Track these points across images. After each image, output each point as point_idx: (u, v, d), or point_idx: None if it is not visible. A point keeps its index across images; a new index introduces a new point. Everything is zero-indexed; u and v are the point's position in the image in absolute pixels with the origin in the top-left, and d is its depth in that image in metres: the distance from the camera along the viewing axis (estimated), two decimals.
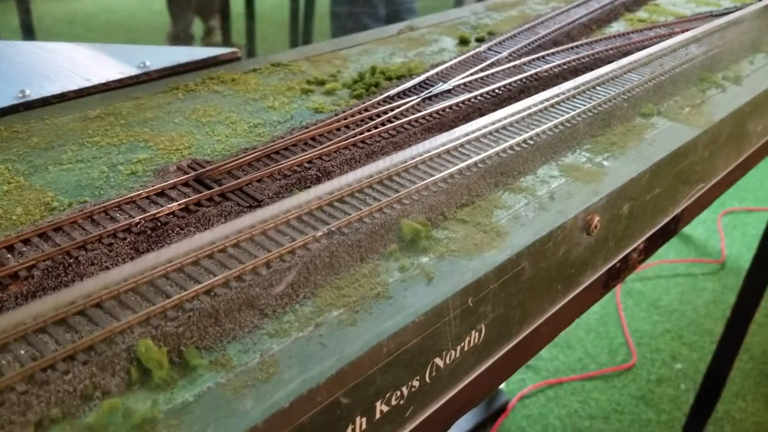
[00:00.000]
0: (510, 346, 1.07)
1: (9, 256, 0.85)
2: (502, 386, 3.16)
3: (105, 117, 1.26)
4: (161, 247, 0.89)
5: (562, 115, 1.32)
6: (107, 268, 0.84)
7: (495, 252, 0.97)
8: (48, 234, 0.89)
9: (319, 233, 0.93)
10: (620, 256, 1.29)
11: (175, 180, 1.03)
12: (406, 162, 1.09)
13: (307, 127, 1.23)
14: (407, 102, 1.33)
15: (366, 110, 1.29)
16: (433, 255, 0.95)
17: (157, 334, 0.75)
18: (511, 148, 1.19)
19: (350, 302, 0.85)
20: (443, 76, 1.47)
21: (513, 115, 1.24)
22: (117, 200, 0.96)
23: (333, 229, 0.94)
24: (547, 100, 1.33)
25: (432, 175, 1.08)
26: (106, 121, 1.24)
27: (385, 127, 1.23)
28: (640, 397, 3.34)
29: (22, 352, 0.71)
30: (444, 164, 1.12)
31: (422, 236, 0.96)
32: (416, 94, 1.37)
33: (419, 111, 1.30)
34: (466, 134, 1.16)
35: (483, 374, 1.03)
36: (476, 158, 1.14)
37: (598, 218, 1.13)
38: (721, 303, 3.93)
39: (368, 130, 1.22)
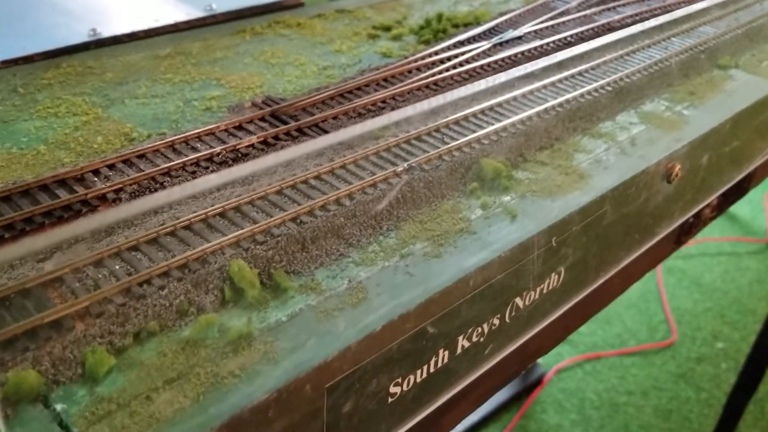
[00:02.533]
0: (585, 293, 1.05)
1: (95, 179, 0.86)
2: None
3: (175, 56, 1.25)
4: (245, 178, 0.89)
5: (639, 64, 1.28)
6: (194, 195, 0.84)
7: (578, 194, 0.94)
8: (132, 161, 0.89)
9: (400, 168, 0.92)
10: (695, 210, 1.25)
11: (252, 115, 1.02)
12: (483, 104, 1.07)
13: (377, 69, 1.21)
14: (478, 47, 1.30)
15: (436, 54, 1.27)
16: (514, 194, 0.93)
17: (247, 257, 0.75)
18: (589, 93, 1.16)
19: (434, 236, 0.84)
20: (512, 24, 1.44)
21: (594, 53, 1.20)
22: (197, 132, 0.96)
23: (413, 164, 0.93)
24: (625, 44, 1.28)
25: (510, 117, 1.05)
26: (177, 59, 1.24)
27: (458, 70, 1.21)
28: (679, 374, 3.28)
29: (117, 267, 0.72)
30: (522, 107, 1.09)
31: (503, 175, 0.94)
32: (486, 40, 1.33)
33: (491, 56, 1.27)
34: (546, 75, 1.13)
35: (558, 320, 1.01)
36: (554, 102, 1.11)
37: (679, 166, 1.09)
38: (766, 283, 3.82)
39: (440, 73, 1.19)
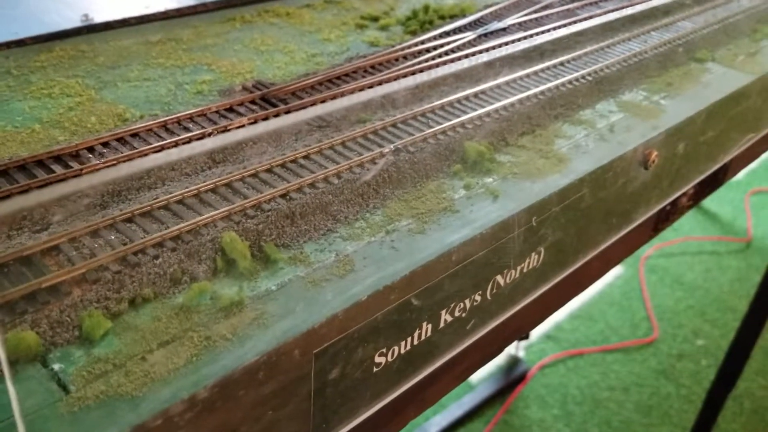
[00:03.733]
0: (564, 274, 1.09)
1: (90, 156, 0.88)
2: (521, 354, 3.18)
3: (166, 42, 1.27)
4: (235, 157, 0.91)
5: (618, 56, 1.32)
6: (186, 173, 0.87)
7: (558, 176, 0.98)
8: (126, 139, 0.92)
9: (386, 150, 0.95)
10: (672, 198, 1.29)
11: (242, 98, 1.05)
12: (467, 90, 1.10)
13: (365, 57, 1.24)
14: (463, 38, 1.33)
15: (422, 43, 1.30)
16: (496, 176, 0.97)
17: (239, 230, 0.77)
18: (570, 82, 1.20)
19: (418, 213, 0.87)
20: (497, 16, 1.47)
21: (575, 45, 1.24)
22: (189, 113, 0.99)
23: (399, 146, 0.96)
24: (606, 37, 1.32)
25: (493, 104, 1.09)
26: (168, 45, 1.26)
27: (443, 59, 1.24)
28: (660, 371, 3.33)
29: (113, 237, 0.74)
30: (505, 94, 1.13)
31: (486, 158, 0.98)
32: (471, 31, 1.37)
33: (475, 46, 1.30)
34: (528, 65, 1.16)
35: (538, 299, 1.05)
36: (536, 90, 1.14)
37: (656, 153, 1.13)
38: (746, 281, 3.88)
39: (426, 62, 1.22)
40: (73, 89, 1.07)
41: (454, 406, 2.94)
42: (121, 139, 0.91)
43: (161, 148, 0.90)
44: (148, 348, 0.64)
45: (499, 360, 3.11)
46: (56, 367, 0.61)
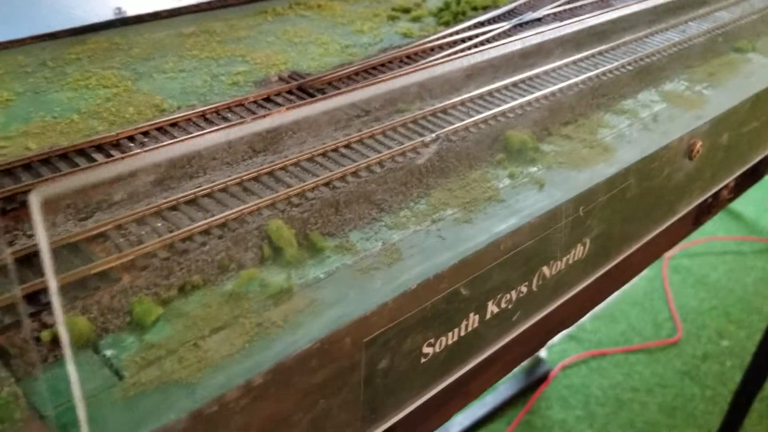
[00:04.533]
0: (608, 267, 1.06)
1: (131, 145, 0.87)
2: (543, 355, 3.14)
3: (200, 34, 1.27)
4: (275, 147, 0.90)
5: (659, 45, 1.29)
6: (227, 162, 0.86)
7: (603, 165, 0.96)
8: (166, 129, 0.91)
9: (428, 138, 0.93)
10: (714, 190, 1.27)
11: (279, 88, 1.04)
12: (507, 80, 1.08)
13: (399, 48, 1.22)
14: (498, 28, 1.31)
15: (457, 33, 1.28)
16: (541, 165, 0.94)
17: (283, 218, 0.76)
18: (611, 72, 1.17)
19: (463, 203, 0.85)
20: (530, 6, 1.45)
21: (615, 35, 1.22)
22: (227, 103, 0.98)
23: (441, 135, 0.94)
24: (645, 27, 1.30)
25: (535, 93, 1.07)
26: (202, 37, 1.25)
27: (479, 49, 1.22)
28: (684, 372, 3.27)
29: (159, 225, 0.73)
30: (546, 83, 1.11)
31: (529, 147, 0.96)
32: (506, 21, 1.35)
33: (510, 36, 1.28)
34: (569, 54, 1.14)
35: (581, 292, 1.03)
36: (577, 79, 1.12)
37: (700, 143, 1.10)
38: None
39: (461, 52, 1.20)
40: (109, 80, 1.06)
41: (477, 406, 2.91)
42: (160, 129, 0.90)
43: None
44: (200, 334, 0.63)
45: None
46: (108, 352, 0.60)
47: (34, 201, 0.39)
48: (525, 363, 3.03)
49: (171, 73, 1.11)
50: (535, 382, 3.11)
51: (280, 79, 1.09)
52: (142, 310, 0.63)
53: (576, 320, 1.11)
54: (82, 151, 0.84)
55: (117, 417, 0.55)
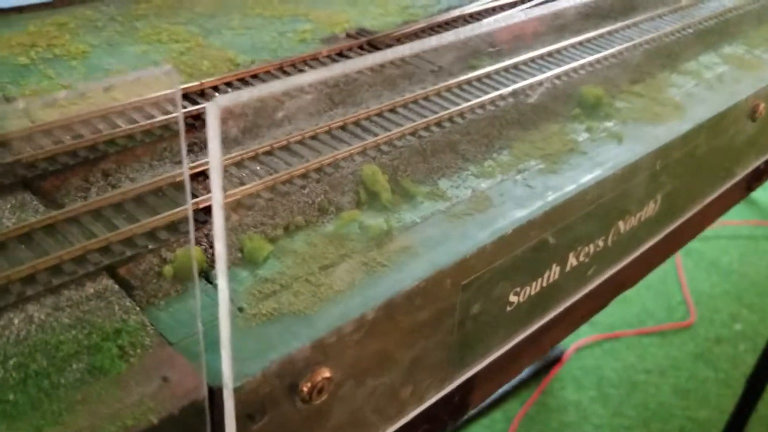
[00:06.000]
0: (671, 228, 1.07)
1: (216, 94, 0.88)
2: None
3: None
4: (352, 99, 0.90)
5: (716, 10, 1.29)
6: (310, 113, 0.86)
7: (678, 122, 0.96)
8: (247, 79, 0.91)
9: (506, 92, 0.93)
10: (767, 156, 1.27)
11: (349, 43, 1.04)
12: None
13: (460, 7, 1.22)
14: None
15: None
16: (616, 120, 0.95)
17: (375, 164, 0.77)
18: (672, 34, 1.17)
19: (546, 154, 0.86)
20: None
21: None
22: (302, 56, 0.98)
23: (518, 89, 0.95)
24: None
25: (603, 52, 1.07)
26: None
27: (548, 4, 1.21)
28: (698, 354, 3.27)
29: (258, 168, 0.74)
30: (610, 43, 1.11)
31: (604, 102, 0.96)
32: None
33: None
34: (629, 17, 1.14)
35: (647, 252, 1.03)
36: (640, 40, 1.12)
37: (763, 105, 1.10)
38: None
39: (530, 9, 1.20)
40: (180, 35, 1.07)
41: None
42: (242, 80, 0.91)
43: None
44: (310, 271, 0.64)
45: None
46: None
47: (212, 111, 0.40)
48: None
49: (239, 30, 1.11)
50: (549, 363, 3.12)
51: (349, 35, 1.09)
52: (253, 247, 0.64)
53: (637, 281, 1.12)
54: (171, 100, 0.85)
55: (243, 345, 0.56)
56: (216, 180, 0.42)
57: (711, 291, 3.75)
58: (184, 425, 0.51)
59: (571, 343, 3.25)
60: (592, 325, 3.39)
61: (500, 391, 2.87)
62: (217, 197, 0.42)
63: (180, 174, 0.69)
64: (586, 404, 3.02)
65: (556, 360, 3.15)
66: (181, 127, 0.50)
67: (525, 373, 3.05)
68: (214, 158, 0.41)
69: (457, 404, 0.82)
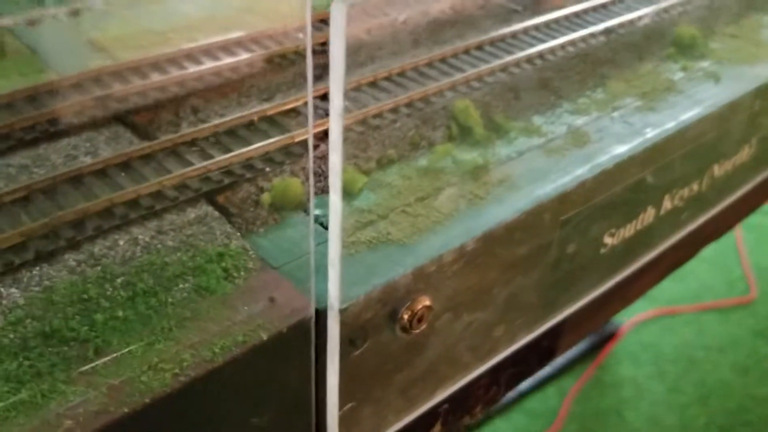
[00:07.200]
0: (759, 179, 1.02)
1: (300, 35, 0.86)
2: None
3: None
4: (435, 39, 0.88)
5: None
6: (393, 52, 0.84)
7: None
8: (326, 20, 0.89)
9: (597, 29, 0.89)
10: None
11: None
12: None
13: None
14: None
15: None
16: (712, 60, 0.90)
17: (466, 99, 0.74)
18: None
19: (642, 93, 0.82)
20: None
21: None
22: None
23: (609, 27, 0.90)
24: None
25: None
26: None
27: None
28: (758, 331, 3.15)
29: (346, 103, 0.72)
30: None
31: (699, 42, 0.91)
32: None
33: None
34: None
35: (734, 203, 0.99)
36: None
37: None
38: None
39: None
40: None
41: None
42: (323, 20, 0.89)
43: (368, 30, 0.87)
44: (407, 202, 0.62)
45: None
46: (318, 212, 0.60)
47: (338, 11, 0.38)
48: None
49: None
50: (605, 338, 3.06)
51: None
52: (348, 178, 0.62)
53: (722, 234, 1.07)
54: (255, 40, 0.84)
55: (345, 270, 0.55)
56: (338, 84, 0.40)
57: None
58: (290, 345, 0.50)
59: (628, 318, 3.18)
60: (650, 300, 3.31)
61: (555, 366, 2.83)
62: (336, 105, 0.41)
63: (273, 107, 0.68)
64: (642, 380, 2.96)
65: (612, 335, 3.09)
66: (309, 43, 0.48)
67: (581, 348, 3.00)
68: (338, 62, 0.39)
69: (545, 349, 0.80)
